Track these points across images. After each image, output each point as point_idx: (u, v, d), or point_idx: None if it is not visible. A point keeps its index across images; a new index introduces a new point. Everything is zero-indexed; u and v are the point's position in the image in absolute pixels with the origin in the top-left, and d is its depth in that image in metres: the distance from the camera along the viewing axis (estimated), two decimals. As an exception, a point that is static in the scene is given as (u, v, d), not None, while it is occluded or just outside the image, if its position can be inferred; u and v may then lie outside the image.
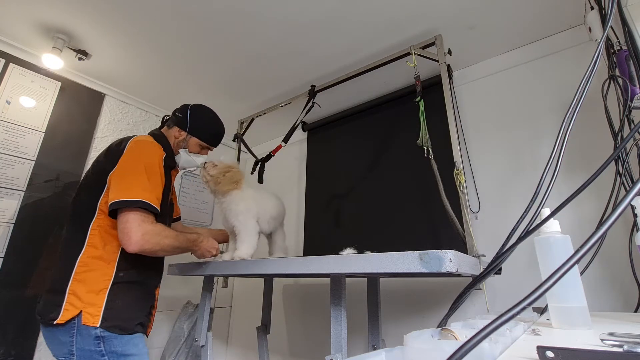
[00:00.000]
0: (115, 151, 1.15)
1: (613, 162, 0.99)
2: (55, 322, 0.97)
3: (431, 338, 0.50)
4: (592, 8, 1.22)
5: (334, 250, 1.03)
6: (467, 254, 1.20)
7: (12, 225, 1.64)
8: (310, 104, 1.95)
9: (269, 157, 2.01)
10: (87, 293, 1.01)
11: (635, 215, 0.95)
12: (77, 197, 1.18)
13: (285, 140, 1.95)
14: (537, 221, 0.65)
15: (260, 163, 2.02)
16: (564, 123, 0.58)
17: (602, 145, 1.29)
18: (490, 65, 1.78)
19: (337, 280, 1.05)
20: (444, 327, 0.53)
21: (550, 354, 0.34)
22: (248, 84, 2.09)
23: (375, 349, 1.32)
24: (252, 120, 2.31)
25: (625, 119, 1.09)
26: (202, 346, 1.49)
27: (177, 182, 2.35)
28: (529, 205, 0.68)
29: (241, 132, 2.31)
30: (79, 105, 1.99)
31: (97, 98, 2.08)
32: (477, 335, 0.29)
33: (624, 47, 1.10)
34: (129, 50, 1.80)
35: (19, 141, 1.74)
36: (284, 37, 1.67)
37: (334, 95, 2.07)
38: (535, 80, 1.62)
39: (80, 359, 0.96)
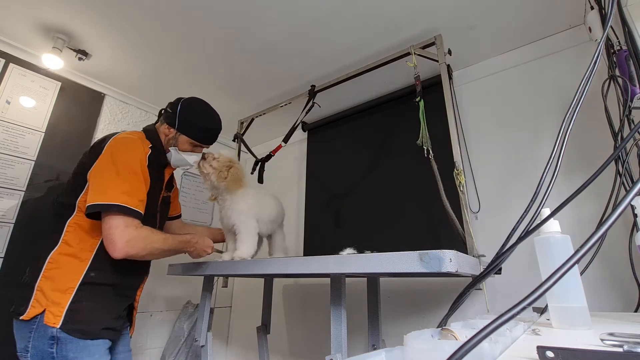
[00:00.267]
0: (97, 148, 1.11)
1: (613, 162, 0.99)
2: (21, 318, 0.96)
3: (431, 338, 0.50)
4: (592, 8, 1.22)
5: (334, 250, 1.03)
6: (467, 254, 1.20)
7: (12, 225, 1.64)
8: (310, 104, 1.95)
9: (269, 157, 2.01)
10: (53, 291, 0.98)
11: (635, 215, 0.95)
12: (60, 194, 1.16)
13: (285, 140, 1.95)
14: (537, 221, 0.64)
15: (260, 163, 2.02)
16: (564, 123, 0.58)
17: (602, 145, 1.29)
18: (490, 65, 1.78)
19: (337, 280, 1.05)
20: (444, 327, 0.53)
21: (550, 354, 0.34)
22: (248, 84, 2.09)
23: (375, 349, 1.32)
24: (252, 120, 2.31)
25: (625, 119, 1.09)
26: (202, 346, 1.49)
27: (177, 184, 2.35)
28: (529, 205, 0.68)
29: (241, 132, 2.31)
30: (79, 105, 1.99)
31: (97, 98, 2.08)
32: (477, 335, 0.29)
33: (624, 47, 1.10)
34: (128, 50, 1.80)
35: (19, 141, 1.74)
36: (284, 37, 1.67)
37: (334, 95, 2.07)
38: (535, 80, 1.62)
39: (33, 358, 0.93)
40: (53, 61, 1.69)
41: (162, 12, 1.54)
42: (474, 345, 0.29)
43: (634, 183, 0.37)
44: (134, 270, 1.15)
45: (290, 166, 2.59)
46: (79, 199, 1.07)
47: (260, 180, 2.02)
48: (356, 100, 2.19)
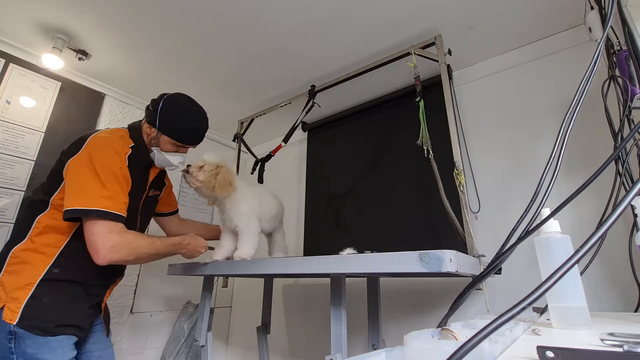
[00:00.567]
0: (75, 147, 1.07)
1: (613, 162, 0.99)
2: None
3: (431, 338, 0.50)
4: (592, 8, 1.22)
5: (334, 250, 1.03)
6: (467, 254, 1.20)
7: (12, 226, 1.64)
8: (310, 104, 1.95)
9: (269, 157, 2.01)
10: (13, 287, 0.96)
11: (635, 215, 0.95)
12: (35, 192, 1.13)
13: (285, 140, 1.95)
14: (537, 221, 0.65)
15: (260, 163, 2.02)
16: (564, 123, 0.58)
17: (602, 145, 1.29)
18: (490, 66, 1.78)
19: (337, 280, 1.05)
20: (444, 327, 0.54)
21: (550, 354, 0.34)
22: (248, 84, 2.09)
23: (375, 349, 1.32)
24: (252, 120, 2.31)
25: (625, 119, 1.09)
26: (202, 346, 1.49)
27: (176, 182, 2.36)
28: (529, 205, 0.68)
29: (241, 132, 2.31)
30: (79, 105, 1.99)
31: (97, 98, 2.08)
32: (477, 335, 0.29)
33: (624, 47, 1.10)
34: (128, 50, 1.80)
35: (19, 141, 1.74)
36: (284, 37, 1.67)
37: (334, 95, 2.07)
38: (535, 80, 1.62)
39: None
40: (53, 61, 1.69)
41: (162, 12, 1.54)
42: (474, 345, 0.29)
43: (634, 183, 0.37)
44: (105, 270, 1.07)
45: (290, 166, 2.59)
46: (53, 196, 1.05)
47: (260, 180, 2.01)
48: (356, 100, 2.19)
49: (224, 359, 2.51)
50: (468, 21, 1.54)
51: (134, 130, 1.22)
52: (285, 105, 2.13)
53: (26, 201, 1.12)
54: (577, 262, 0.32)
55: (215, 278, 1.74)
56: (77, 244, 1.03)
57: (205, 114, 1.29)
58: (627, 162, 1.08)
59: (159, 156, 1.22)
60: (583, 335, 0.54)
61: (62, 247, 1.04)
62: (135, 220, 1.25)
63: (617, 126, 1.14)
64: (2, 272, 1.00)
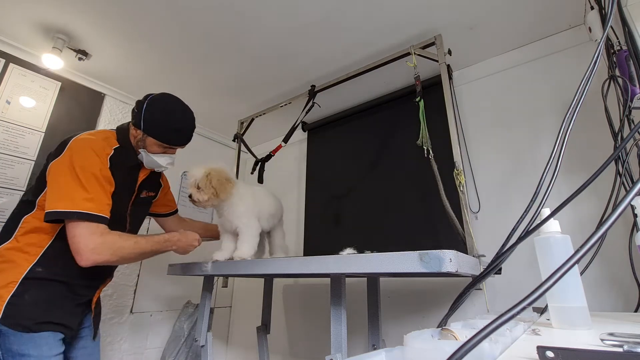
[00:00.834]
0: (59, 149, 1.07)
1: (613, 162, 0.99)
2: None
3: (431, 338, 0.50)
4: (592, 8, 1.21)
5: (334, 250, 1.03)
6: (467, 254, 1.20)
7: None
8: (310, 104, 1.95)
9: (269, 157, 2.01)
10: None
11: (635, 215, 0.95)
12: (25, 194, 1.14)
13: (285, 140, 1.95)
14: (537, 221, 0.65)
15: (260, 163, 2.02)
16: (564, 123, 0.58)
17: (602, 145, 1.29)
18: (490, 65, 1.78)
19: (337, 280, 1.05)
20: (444, 327, 0.54)
21: (550, 354, 0.34)
22: (248, 84, 2.09)
23: (375, 349, 1.32)
24: (252, 120, 2.31)
25: (625, 119, 1.09)
26: (202, 346, 1.49)
27: (177, 182, 2.36)
28: (529, 205, 0.68)
29: (241, 132, 2.31)
30: (79, 105, 1.99)
31: (97, 98, 2.08)
32: (477, 335, 0.29)
33: (624, 47, 1.10)
34: (129, 50, 1.80)
35: (19, 141, 1.74)
36: (284, 37, 1.67)
37: (334, 95, 2.07)
38: (535, 80, 1.62)
39: None
40: (53, 61, 1.69)
41: (162, 12, 1.54)
42: (474, 345, 0.29)
43: (634, 183, 0.37)
44: (91, 270, 1.06)
45: (290, 166, 2.59)
46: (39, 197, 1.06)
47: (260, 180, 2.02)
48: (356, 100, 2.19)
49: (224, 359, 2.51)
50: (468, 21, 1.54)
51: (121, 132, 1.21)
52: (285, 105, 2.13)
53: (21, 199, 1.13)
54: (577, 262, 0.32)
55: (215, 278, 1.74)
56: (61, 244, 1.04)
57: (191, 114, 1.26)
58: (627, 162, 1.08)
59: (146, 158, 1.21)
60: (583, 335, 0.54)
61: (46, 246, 1.05)
62: (124, 221, 1.24)
63: (617, 126, 1.14)
64: None
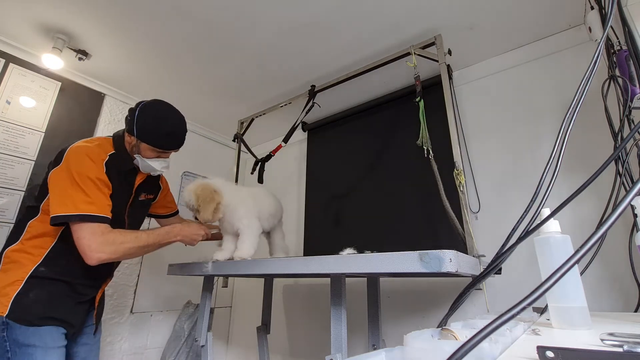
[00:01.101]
0: (58, 158, 1.14)
1: (613, 162, 0.99)
2: None
3: (431, 338, 0.50)
4: (592, 8, 1.21)
5: (334, 250, 1.03)
6: (467, 254, 1.20)
7: (12, 225, 1.64)
8: (310, 104, 1.95)
9: (269, 157, 2.01)
10: (4, 283, 1.06)
11: (635, 215, 0.95)
12: (30, 200, 1.22)
13: (285, 140, 1.95)
14: (537, 221, 0.65)
15: (260, 163, 2.02)
16: (564, 123, 0.58)
17: (602, 145, 1.29)
18: (490, 65, 1.78)
19: (337, 280, 1.05)
20: (444, 327, 0.54)
21: (550, 354, 0.34)
22: (248, 84, 2.09)
23: (375, 348, 1.32)
24: (252, 120, 2.31)
25: (625, 119, 1.09)
26: (203, 346, 1.49)
27: (177, 183, 2.36)
28: (529, 205, 0.68)
29: (241, 132, 2.31)
30: (79, 105, 1.99)
31: (97, 98, 2.08)
32: (477, 335, 0.29)
33: (624, 47, 1.10)
34: (129, 50, 1.80)
35: (19, 141, 1.74)
36: (284, 37, 1.67)
37: (334, 95, 2.07)
38: (535, 80, 1.62)
39: None
40: (53, 61, 1.69)
41: (161, 12, 1.54)
42: (474, 345, 0.29)
43: (634, 183, 0.38)
44: (91, 270, 1.14)
45: (290, 166, 2.59)
46: (42, 203, 1.14)
47: (260, 180, 2.02)
48: (356, 100, 2.19)
49: (224, 359, 2.51)
50: (468, 21, 1.54)
51: (117, 138, 1.26)
52: (285, 105, 2.13)
53: (25, 205, 1.20)
54: (577, 262, 0.32)
55: (215, 278, 1.74)
56: (63, 246, 1.12)
57: (182, 119, 1.29)
58: (627, 162, 1.08)
59: (142, 163, 1.25)
60: (583, 335, 0.54)
61: (49, 248, 1.12)
62: (123, 223, 1.28)
63: (617, 126, 1.14)
64: None
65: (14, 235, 1.14)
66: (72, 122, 1.95)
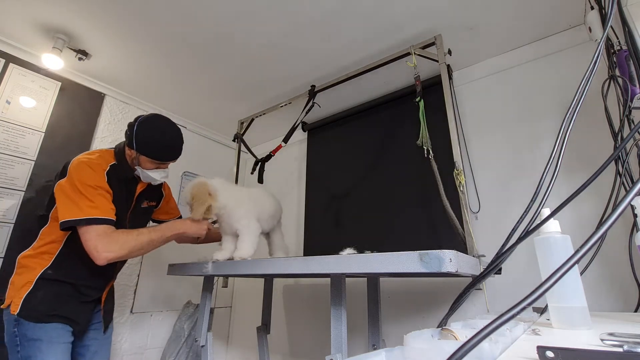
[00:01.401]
0: (64, 170, 1.23)
1: (613, 162, 0.99)
2: (1, 307, 1.20)
3: (431, 338, 0.50)
4: (592, 8, 1.21)
5: (334, 250, 1.03)
6: (467, 254, 1.20)
7: (12, 225, 1.64)
8: (310, 104, 1.95)
9: (269, 157, 2.01)
10: (18, 285, 1.18)
11: (635, 215, 0.95)
12: (40, 209, 1.32)
13: (285, 140, 1.95)
14: (537, 221, 0.65)
15: (260, 163, 2.02)
16: (564, 123, 0.58)
17: (602, 145, 1.29)
18: (490, 65, 1.78)
19: (337, 280, 1.05)
20: (444, 327, 0.54)
21: (550, 354, 0.34)
22: (248, 84, 2.09)
23: (375, 348, 1.32)
24: (252, 120, 2.31)
25: (625, 119, 1.09)
26: (203, 346, 1.49)
27: (177, 183, 2.36)
28: (529, 205, 0.68)
29: (241, 132, 2.31)
30: (79, 105, 1.99)
31: (97, 98, 2.08)
32: (477, 335, 0.29)
33: (624, 47, 1.10)
34: (129, 50, 1.80)
35: (19, 141, 1.74)
36: (284, 37, 1.67)
37: (334, 95, 2.07)
38: (535, 80, 1.62)
39: (6, 337, 1.16)
40: (53, 61, 1.69)
41: (162, 12, 1.54)
42: (474, 345, 0.29)
43: (634, 183, 0.38)
44: (94, 273, 1.26)
45: (290, 166, 2.59)
46: (51, 212, 1.24)
47: (260, 180, 2.02)
48: (356, 100, 2.19)
49: (224, 359, 2.51)
50: (468, 21, 1.54)
51: (119, 150, 1.35)
52: (285, 105, 2.13)
53: (37, 214, 1.32)
54: (577, 262, 0.32)
55: (215, 278, 1.74)
56: (68, 251, 1.23)
57: (178, 131, 1.37)
58: (627, 162, 1.08)
59: (142, 174, 1.34)
60: (583, 335, 0.54)
61: (56, 253, 1.23)
62: (124, 224, 1.34)
63: (617, 126, 1.14)
64: (13, 274, 1.22)
65: (27, 242, 1.25)
66: (72, 122, 1.95)
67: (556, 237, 0.66)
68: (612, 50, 1.15)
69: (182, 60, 1.88)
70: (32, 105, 1.81)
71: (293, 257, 1.18)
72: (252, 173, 2.05)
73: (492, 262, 0.75)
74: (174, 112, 2.43)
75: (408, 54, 1.59)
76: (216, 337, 2.44)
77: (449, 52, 1.53)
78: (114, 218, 1.20)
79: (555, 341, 0.51)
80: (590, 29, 1.23)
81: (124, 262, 1.47)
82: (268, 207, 1.52)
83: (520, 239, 0.66)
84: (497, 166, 1.63)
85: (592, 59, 0.56)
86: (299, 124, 1.96)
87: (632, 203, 0.85)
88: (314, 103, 1.95)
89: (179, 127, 1.38)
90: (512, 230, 0.74)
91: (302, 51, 1.78)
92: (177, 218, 1.64)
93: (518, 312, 0.31)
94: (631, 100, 1.04)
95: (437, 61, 1.48)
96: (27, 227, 1.34)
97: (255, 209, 1.43)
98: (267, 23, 1.59)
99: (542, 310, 0.83)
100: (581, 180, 0.57)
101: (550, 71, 1.58)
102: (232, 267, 1.30)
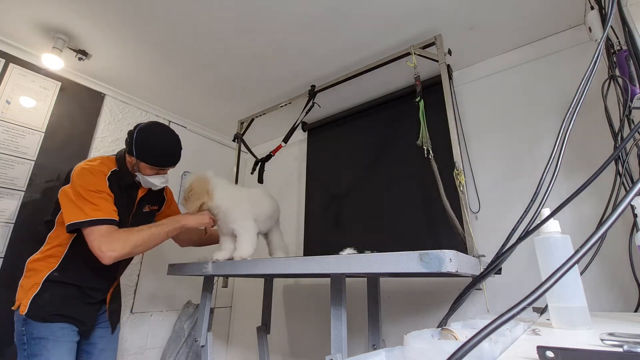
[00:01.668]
0: (67, 177, 1.27)
1: (613, 162, 0.99)
2: (12, 308, 1.24)
3: (431, 338, 0.50)
4: (592, 8, 1.21)
5: (334, 250, 1.03)
6: (467, 254, 1.20)
7: (12, 225, 1.64)
8: (310, 104, 1.95)
9: (269, 157, 2.01)
10: (27, 288, 1.23)
11: (635, 215, 0.95)
12: (47, 214, 1.35)
13: (285, 140, 1.95)
14: (537, 221, 0.65)
15: (260, 163, 2.02)
16: (564, 123, 0.58)
17: (602, 145, 1.29)
18: (490, 65, 1.78)
19: (337, 280, 1.05)
20: (444, 327, 0.54)
21: (550, 354, 0.34)
22: (248, 84, 2.09)
23: (375, 348, 1.32)
24: (252, 120, 2.31)
25: (625, 119, 1.09)
26: (203, 346, 1.49)
27: (177, 183, 2.36)
28: (529, 205, 0.68)
29: (241, 132, 2.31)
30: (79, 105, 1.99)
31: (97, 98, 2.08)
32: (477, 335, 0.29)
33: (624, 47, 1.10)
34: (129, 50, 1.80)
35: (19, 141, 1.74)
36: (284, 37, 1.67)
37: (334, 95, 2.07)
38: (535, 80, 1.62)
39: (16, 336, 1.20)
40: (53, 61, 1.69)
41: (161, 12, 1.54)
42: (474, 345, 0.29)
43: (634, 183, 0.38)
44: (98, 275, 1.31)
45: (290, 166, 2.59)
46: (57, 216, 1.28)
47: (260, 180, 2.02)
48: (356, 100, 2.19)
49: (224, 359, 2.51)
50: (468, 21, 1.54)
51: (120, 157, 1.39)
52: (285, 105, 2.13)
53: (43, 219, 1.35)
54: (577, 262, 0.32)
55: (215, 278, 1.74)
56: (72, 254, 1.27)
57: (177, 138, 1.40)
58: (627, 162, 1.08)
59: (143, 180, 1.37)
60: (583, 335, 0.54)
61: (62, 256, 1.27)
62: (126, 224, 1.36)
63: (617, 126, 1.14)
64: (22, 277, 1.26)
65: (36, 246, 1.29)
66: (72, 122, 1.95)
67: (556, 237, 0.66)
68: (612, 50, 1.16)
69: (182, 60, 1.88)
70: (32, 105, 1.81)
71: (293, 257, 1.18)
72: (252, 173, 2.05)
73: (492, 262, 0.75)
74: (174, 112, 2.43)
75: (408, 54, 1.59)
76: (216, 337, 2.44)
77: (449, 52, 1.53)
78: (117, 218, 1.23)
79: (555, 341, 0.51)
80: (590, 29, 1.23)
81: (128, 263, 1.48)
82: (266, 208, 1.52)
83: (520, 239, 0.66)
84: (497, 166, 1.63)
85: (592, 59, 0.56)
86: (299, 124, 1.96)
87: (632, 203, 0.85)
88: (314, 103, 1.95)
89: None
90: (512, 230, 0.74)
91: (302, 51, 1.78)
92: None
93: (518, 312, 0.31)
94: (631, 100, 1.04)
95: (437, 61, 1.48)
96: (35, 232, 1.37)
97: (252, 209, 1.43)
98: (267, 23, 1.59)
99: (542, 310, 0.83)
100: (581, 180, 0.57)
101: (550, 71, 1.58)
102: (232, 267, 1.30)
